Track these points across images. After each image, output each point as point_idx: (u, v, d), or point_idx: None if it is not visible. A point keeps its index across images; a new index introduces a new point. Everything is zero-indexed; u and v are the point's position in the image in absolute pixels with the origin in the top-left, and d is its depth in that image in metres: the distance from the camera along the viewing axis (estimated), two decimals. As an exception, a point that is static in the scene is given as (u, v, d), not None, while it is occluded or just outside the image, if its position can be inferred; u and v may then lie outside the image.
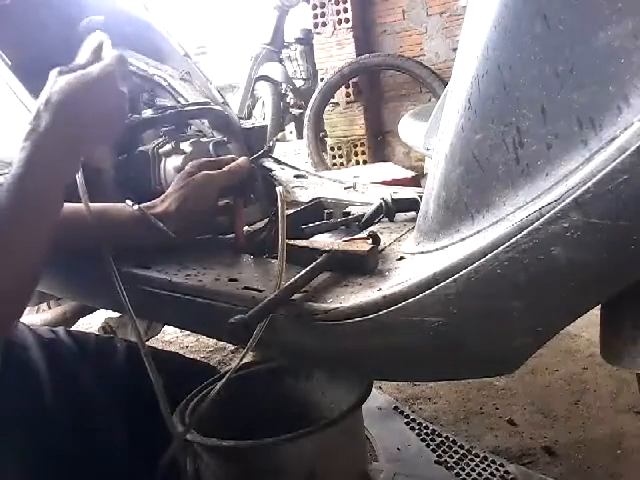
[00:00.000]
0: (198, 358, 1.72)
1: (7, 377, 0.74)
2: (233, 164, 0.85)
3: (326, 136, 4.20)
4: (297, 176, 1.13)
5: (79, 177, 0.74)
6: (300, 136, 4.97)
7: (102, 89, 0.71)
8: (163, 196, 0.83)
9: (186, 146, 0.97)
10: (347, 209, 0.93)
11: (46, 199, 0.67)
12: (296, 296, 0.64)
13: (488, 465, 1.05)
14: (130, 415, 0.80)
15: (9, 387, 0.73)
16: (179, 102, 1.11)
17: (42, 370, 0.79)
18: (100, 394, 0.81)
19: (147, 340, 1.59)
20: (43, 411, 0.75)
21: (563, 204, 0.45)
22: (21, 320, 0.77)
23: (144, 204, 0.81)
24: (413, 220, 0.79)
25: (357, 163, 4.05)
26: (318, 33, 4.05)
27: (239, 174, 0.84)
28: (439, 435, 1.12)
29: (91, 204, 0.77)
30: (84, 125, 0.70)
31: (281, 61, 4.99)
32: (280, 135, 4.02)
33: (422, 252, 0.62)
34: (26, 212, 0.66)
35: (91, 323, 1.92)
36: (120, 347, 0.89)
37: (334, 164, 4.12)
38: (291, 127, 5.53)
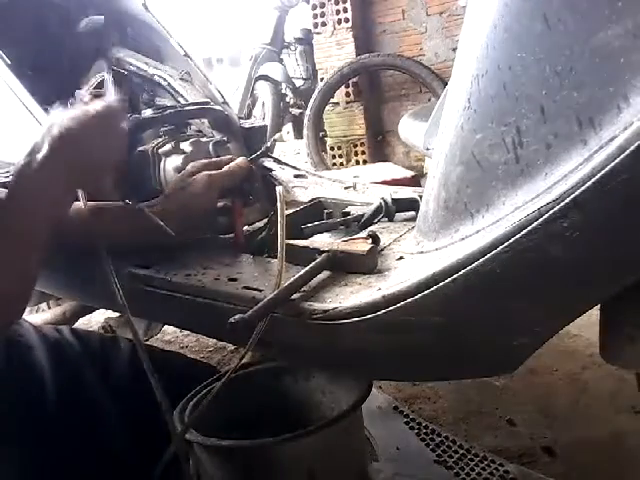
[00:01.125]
0: (198, 358, 1.71)
1: (12, 376, 0.74)
2: (232, 164, 0.85)
3: (326, 136, 4.19)
4: (297, 176, 1.13)
5: None
6: (299, 136, 4.97)
7: (103, 129, 0.72)
8: (163, 196, 0.83)
9: (186, 146, 0.97)
10: (347, 209, 0.92)
11: (33, 232, 0.67)
12: (296, 296, 0.64)
13: (487, 465, 1.04)
14: (133, 414, 0.80)
15: (14, 386, 0.74)
16: (179, 102, 1.11)
17: (46, 369, 0.79)
18: (104, 393, 0.81)
19: (147, 340, 1.59)
20: (47, 409, 0.75)
21: (562, 204, 0.45)
22: (26, 319, 0.77)
23: (144, 204, 0.82)
24: (413, 220, 0.79)
25: (357, 163, 4.04)
26: (318, 33, 4.05)
27: (238, 174, 0.84)
28: (439, 435, 1.12)
29: (91, 203, 0.77)
30: (81, 163, 0.70)
31: (281, 61, 4.99)
32: (277, 135, 4.01)
33: (422, 252, 0.62)
34: (12, 242, 0.66)
35: (91, 323, 1.92)
36: (124, 346, 0.89)
37: (334, 164, 4.12)
38: (288, 127, 5.52)
